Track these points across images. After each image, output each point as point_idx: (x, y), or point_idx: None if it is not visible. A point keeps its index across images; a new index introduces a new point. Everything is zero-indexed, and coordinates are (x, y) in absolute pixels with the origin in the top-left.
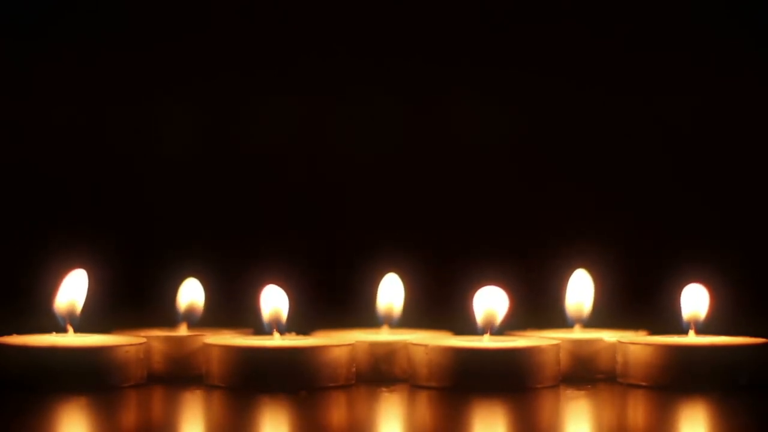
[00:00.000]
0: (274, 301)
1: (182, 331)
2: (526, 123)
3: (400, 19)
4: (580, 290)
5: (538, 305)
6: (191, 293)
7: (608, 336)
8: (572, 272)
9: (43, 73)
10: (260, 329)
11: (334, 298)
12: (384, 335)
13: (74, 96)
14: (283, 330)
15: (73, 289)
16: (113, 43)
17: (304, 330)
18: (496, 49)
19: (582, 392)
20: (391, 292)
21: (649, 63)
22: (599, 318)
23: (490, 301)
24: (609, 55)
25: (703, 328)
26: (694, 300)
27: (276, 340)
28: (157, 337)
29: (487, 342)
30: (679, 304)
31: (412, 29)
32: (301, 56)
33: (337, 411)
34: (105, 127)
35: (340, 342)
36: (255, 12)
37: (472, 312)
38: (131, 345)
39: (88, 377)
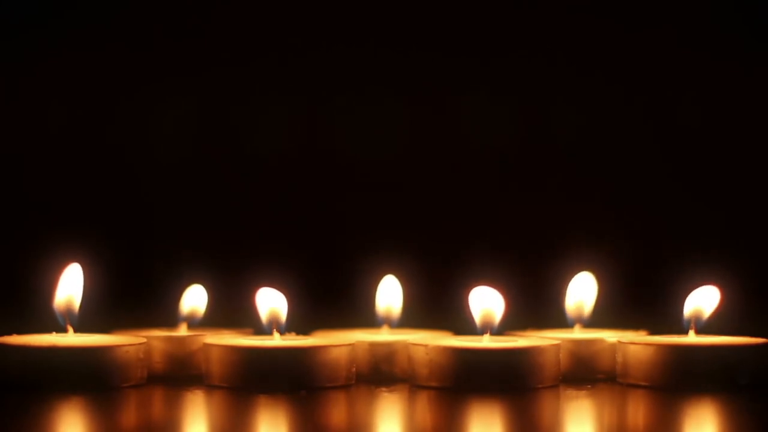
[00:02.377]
0: (270, 303)
1: (182, 331)
2: (528, 123)
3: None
4: (581, 291)
5: (538, 305)
6: (195, 300)
7: (608, 336)
8: (573, 272)
9: (41, 72)
10: (260, 329)
11: (334, 299)
12: (384, 335)
13: (75, 95)
14: (283, 330)
15: (70, 285)
16: (110, 40)
17: (303, 330)
18: (498, 48)
19: (582, 392)
20: (390, 294)
21: (654, 60)
22: (599, 318)
23: (487, 301)
24: (614, 54)
25: (704, 328)
26: (701, 300)
27: (276, 340)
28: (157, 337)
29: (487, 342)
30: (681, 304)
31: (413, 26)
32: (301, 56)
33: (337, 411)
34: (108, 128)
35: (340, 342)
36: (252, 10)
37: (471, 312)
38: (131, 345)
39: (88, 377)
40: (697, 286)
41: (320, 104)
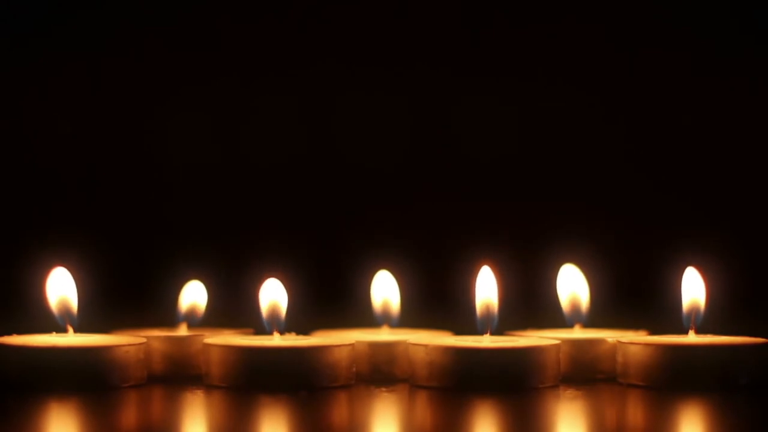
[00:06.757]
0: (272, 297)
1: (182, 331)
2: (521, 120)
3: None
4: (571, 285)
5: (536, 304)
6: (194, 295)
7: (609, 336)
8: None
9: (45, 74)
10: (260, 329)
11: (334, 298)
12: (384, 335)
13: (76, 94)
14: (283, 329)
15: (61, 288)
16: (116, 45)
17: (303, 330)
18: (498, 57)
19: (582, 392)
20: (385, 290)
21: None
22: (599, 317)
23: (487, 291)
24: (593, 54)
25: (702, 323)
26: (693, 289)
27: (276, 340)
28: (157, 337)
29: (487, 342)
30: (679, 296)
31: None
32: (302, 58)
33: (337, 411)
34: (107, 128)
35: (340, 342)
36: (257, 17)
37: (473, 303)
38: (131, 345)
39: (88, 377)
40: (687, 273)
41: (319, 104)
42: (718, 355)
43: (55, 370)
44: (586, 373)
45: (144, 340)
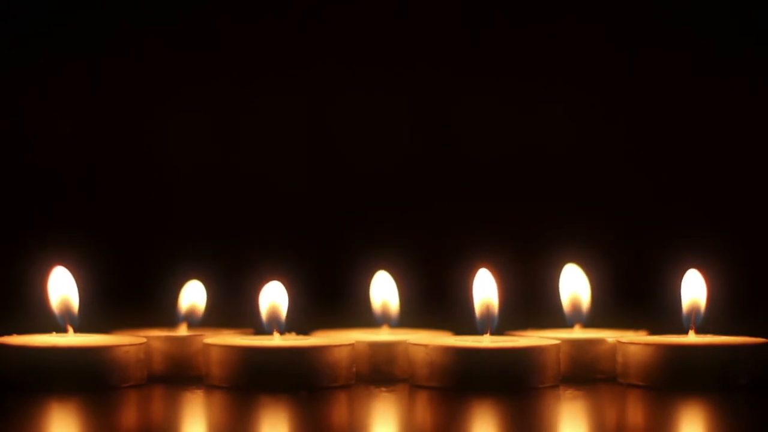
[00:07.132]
0: (272, 299)
1: (182, 331)
2: (521, 120)
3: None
4: (572, 285)
5: (536, 304)
6: (193, 295)
7: (609, 336)
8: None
9: (45, 74)
10: (260, 329)
11: (334, 299)
12: (384, 335)
13: (76, 94)
14: (283, 329)
15: (62, 288)
16: (116, 45)
17: (303, 330)
18: (496, 60)
19: (582, 392)
20: (384, 291)
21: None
22: (599, 317)
23: (486, 292)
24: (593, 54)
25: (702, 323)
26: (694, 289)
27: (276, 340)
28: (157, 337)
29: (487, 342)
30: (679, 296)
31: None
32: (302, 58)
33: (337, 411)
34: (107, 128)
35: (340, 342)
36: (257, 17)
37: (471, 304)
38: (131, 345)
39: (88, 377)
40: (688, 275)
41: (319, 104)
42: (718, 355)
43: (55, 370)
44: (586, 373)
45: (144, 340)
